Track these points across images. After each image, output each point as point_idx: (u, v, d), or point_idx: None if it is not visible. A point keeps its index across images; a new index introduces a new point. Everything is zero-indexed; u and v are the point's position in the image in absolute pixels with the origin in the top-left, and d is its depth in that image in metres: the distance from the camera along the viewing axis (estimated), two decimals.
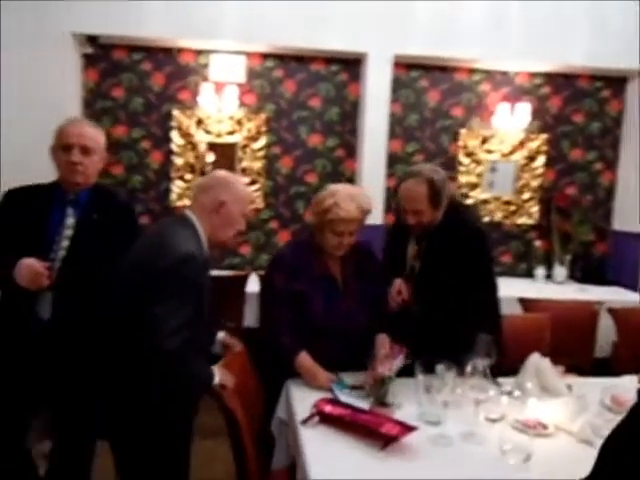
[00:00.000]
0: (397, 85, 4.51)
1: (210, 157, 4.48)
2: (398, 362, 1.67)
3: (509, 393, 1.82)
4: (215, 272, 2.24)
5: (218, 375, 1.64)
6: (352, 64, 4.52)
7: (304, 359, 1.93)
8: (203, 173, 4.39)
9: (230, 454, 1.63)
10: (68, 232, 1.92)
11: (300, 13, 4.11)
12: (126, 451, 1.72)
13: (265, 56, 4.45)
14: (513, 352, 2.13)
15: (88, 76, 4.28)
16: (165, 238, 1.64)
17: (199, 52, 4.37)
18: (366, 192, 2.16)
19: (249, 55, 4.41)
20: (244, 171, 4.53)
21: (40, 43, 3.89)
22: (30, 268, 1.78)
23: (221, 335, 1.97)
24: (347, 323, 2.04)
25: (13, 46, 3.84)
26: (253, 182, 4.55)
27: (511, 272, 4.76)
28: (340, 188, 2.09)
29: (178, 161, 4.46)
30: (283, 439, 1.85)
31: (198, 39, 4.16)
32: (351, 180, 4.58)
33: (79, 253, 1.91)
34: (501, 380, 1.93)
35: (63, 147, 1.92)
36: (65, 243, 1.91)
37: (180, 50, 4.35)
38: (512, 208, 4.77)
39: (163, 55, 4.35)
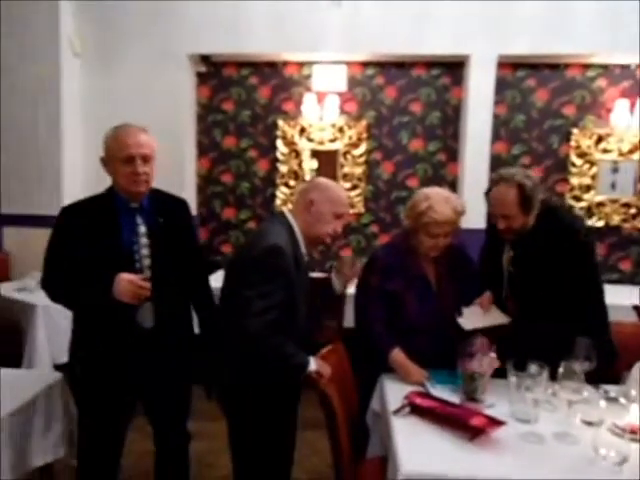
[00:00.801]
0: (501, 86, 4.45)
1: (313, 164, 4.72)
2: (488, 358, 1.72)
3: (613, 399, 1.79)
4: (319, 274, 2.44)
5: (315, 363, 1.80)
6: (454, 67, 4.54)
7: (398, 355, 2.04)
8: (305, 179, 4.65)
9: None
10: (144, 240, 1.93)
11: (400, 20, 4.22)
12: (235, 430, 1.94)
13: (366, 64, 4.62)
14: (623, 360, 2.07)
15: (201, 92, 4.73)
16: (260, 233, 1.91)
17: (302, 64, 4.64)
18: (458, 195, 2.23)
19: (350, 64, 4.60)
20: (345, 177, 4.72)
21: (160, 63, 4.38)
22: (132, 284, 1.80)
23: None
24: (440, 322, 2.12)
25: (138, 66, 4.37)
26: (354, 187, 4.73)
27: (630, 279, 4.46)
28: (433, 192, 2.19)
29: (283, 168, 4.76)
30: (377, 430, 1.97)
31: (302, 52, 4.43)
32: (453, 184, 4.59)
33: (161, 259, 1.95)
34: (608, 387, 1.90)
35: (124, 159, 1.88)
36: (145, 251, 1.93)
37: (285, 63, 4.65)
38: (632, 211, 4.47)
39: (269, 69, 4.68)
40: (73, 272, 1.86)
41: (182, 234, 2.04)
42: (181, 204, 2.14)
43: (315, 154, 4.72)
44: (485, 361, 1.70)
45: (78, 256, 1.86)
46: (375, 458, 1.91)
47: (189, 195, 4.61)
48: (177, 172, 4.47)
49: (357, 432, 2.06)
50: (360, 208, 4.75)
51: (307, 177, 4.66)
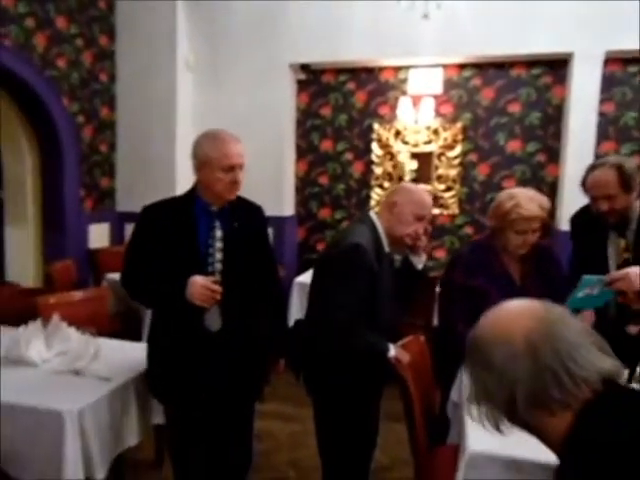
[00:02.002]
0: (609, 83, 4.27)
1: (413, 164, 4.81)
2: None
3: None
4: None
5: (394, 350, 1.94)
6: (556, 65, 4.43)
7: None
8: (401, 179, 4.77)
9: None
10: (219, 244, 1.96)
11: (498, 20, 4.21)
12: (320, 414, 2.11)
13: (462, 66, 4.64)
14: None
15: (300, 98, 5.01)
16: (344, 232, 2.07)
17: (398, 69, 4.76)
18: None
19: (446, 67, 4.65)
20: (439, 178, 4.78)
21: (264, 74, 4.71)
22: (206, 287, 1.83)
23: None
24: None
25: (244, 77, 4.75)
26: (448, 189, 4.77)
27: None
28: (517, 190, 2.25)
29: (377, 170, 4.91)
30: (456, 420, 2.06)
31: (398, 57, 4.56)
32: (553, 185, 4.49)
33: (233, 263, 1.98)
34: None
35: (226, 168, 1.91)
36: (219, 255, 1.96)
37: (381, 68, 4.80)
38: None
39: (365, 74, 4.86)
40: (150, 271, 1.91)
41: (256, 240, 2.08)
42: (257, 210, 2.16)
43: (413, 156, 4.82)
44: None
45: (156, 255, 1.91)
46: (451, 445, 2.00)
47: (288, 195, 4.93)
48: (277, 174, 4.80)
49: (436, 422, 2.16)
50: (454, 209, 4.78)
51: (406, 178, 4.78)
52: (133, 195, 4.64)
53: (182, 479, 2.10)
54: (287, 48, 4.67)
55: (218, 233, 1.96)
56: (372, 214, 2.09)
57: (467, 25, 4.28)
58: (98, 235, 4.64)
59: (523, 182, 4.56)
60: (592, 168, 2.22)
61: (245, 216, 2.06)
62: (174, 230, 1.92)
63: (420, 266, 2.15)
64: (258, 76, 4.74)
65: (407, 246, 2.10)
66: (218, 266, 1.96)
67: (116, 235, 4.82)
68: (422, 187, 2.32)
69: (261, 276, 2.07)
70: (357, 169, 4.99)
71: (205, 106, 4.86)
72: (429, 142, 4.77)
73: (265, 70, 4.72)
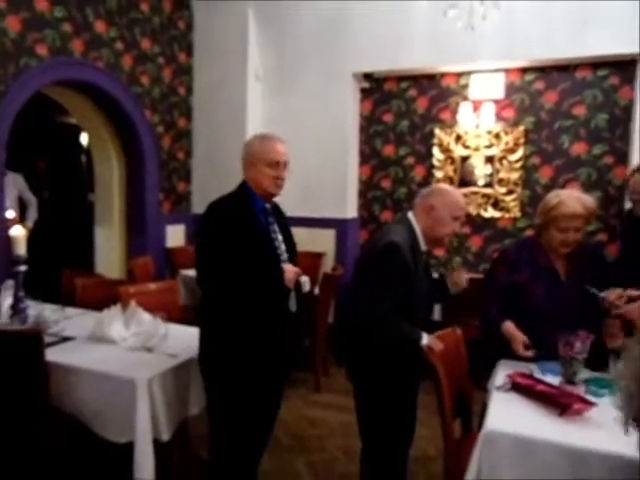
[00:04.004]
0: None
1: (487, 169, 4.84)
2: (582, 346, 1.83)
3: None
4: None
5: (427, 339, 2.08)
6: (623, 66, 4.34)
7: (508, 325, 2.23)
8: (465, 184, 4.84)
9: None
10: (280, 237, 2.19)
11: (560, 23, 4.19)
12: (361, 403, 2.28)
13: (524, 70, 4.65)
14: None
15: (364, 106, 5.21)
16: (383, 232, 2.20)
17: (460, 74, 4.84)
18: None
19: (508, 71, 4.68)
20: (501, 182, 4.80)
21: (328, 83, 4.96)
22: (297, 273, 2.10)
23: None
24: (566, 310, 2.21)
25: (309, 86, 5.02)
26: (510, 192, 4.78)
27: None
28: (565, 190, 2.35)
29: (438, 174, 5.01)
30: None
31: (459, 64, 4.65)
32: (621, 188, 4.38)
33: (291, 252, 2.23)
34: None
35: (272, 163, 2.10)
36: (283, 246, 2.19)
37: (442, 75, 4.90)
38: None
39: (427, 81, 4.97)
40: (232, 265, 2.02)
41: (291, 235, 2.31)
42: (283, 211, 2.36)
43: (467, 160, 4.88)
44: (577, 347, 1.83)
45: (233, 249, 2.02)
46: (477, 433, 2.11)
47: (351, 199, 5.14)
48: (341, 178, 5.02)
49: (469, 412, 2.28)
50: (516, 212, 4.78)
51: (480, 182, 4.84)
52: (207, 198, 4.95)
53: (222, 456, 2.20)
54: (350, 58, 4.89)
55: (275, 227, 2.19)
56: (409, 214, 2.25)
57: (528, 29, 4.30)
58: (174, 235, 5.07)
59: (588, 185, 4.49)
60: (636, 171, 2.26)
61: (282, 214, 2.31)
62: (245, 224, 2.07)
63: (453, 292, 2.30)
64: (323, 85, 5.00)
65: (444, 243, 2.27)
66: (285, 255, 2.18)
67: (190, 235, 5.24)
68: (452, 187, 2.43)
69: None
70: (418, 173, 5.11)
71: (274, 114, 5.18)
72: (490, 146, 4.81)
73: (330, 79, 4.97)
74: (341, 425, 3.23)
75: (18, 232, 2.70)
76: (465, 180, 4.92)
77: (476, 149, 4.85)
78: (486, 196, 4.87)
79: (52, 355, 2.24)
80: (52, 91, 4.18)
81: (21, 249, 2.68)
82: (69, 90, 4.24)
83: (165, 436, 2.12)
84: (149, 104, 4.73)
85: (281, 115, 5.13)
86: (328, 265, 4.84)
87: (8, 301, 2.73)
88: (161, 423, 2.10)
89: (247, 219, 2.10)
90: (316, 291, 3.80)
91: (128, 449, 2.06)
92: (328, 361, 3.96)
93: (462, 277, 2.28)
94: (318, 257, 4.80)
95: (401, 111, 5.11)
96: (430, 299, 2.36)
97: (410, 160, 5.13)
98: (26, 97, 3.63)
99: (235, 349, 2.09)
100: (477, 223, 4.93)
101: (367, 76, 5.07)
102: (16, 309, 2.62)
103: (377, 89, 5.16)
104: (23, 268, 2.66)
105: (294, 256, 2.27)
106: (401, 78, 5.05)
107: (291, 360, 2.33)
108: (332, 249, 5.03)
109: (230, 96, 5.08)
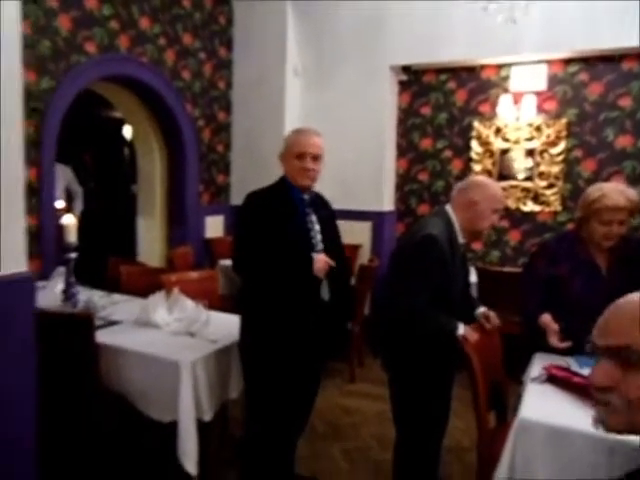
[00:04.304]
0: None
1: (528, 162, 4.78)
2: None
3: None
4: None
5: (463, 329, 2.11)
6: None
7: (545, 317, 2.23)
8: (504, 177, 4.80)
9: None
10: (317, 227, 2.26)
11: (605, 13, 4.10)
12: (396, 394, 2.32)
13: (568, 61, 4.56)
14: None
15: (402, 98, 5.22)
16: (421, 225, 2.22)
17: (500, 66, 4.79)
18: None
19: (550, 63, 4.60)
20: (541, 175, 4.73)
21: (367, 76, 4.99)
22: (327, 263, 2.15)
23: (482, 309, 2.39)
24: (607, 303, 2.20)
25: (347, 80, 5.05)
26: (550, 186, 4.71)
27: None
28: (607, 183, 2.33)
29: (476, 167, 4.98)
30: None
31: (500, 56, 4.60)
32: None
33: (329, 243, 2.28)
34: None
35: (297, 155, 2.19)
36: (319, 237, 2.25)
37: (482, 67, 4.86)
38: None
39: (466, 73, 4.94)
40: (265, 251, 2.12)
41: (334, 226, 2.40)
42: (329, 203, 2.44)
43: (530, 152, 4.80)
44: None
45: (268, 237, 2.12)
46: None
47: (388, 192, 5.16)
48: (378, 171, 5.05)
49: (504, 404, 2.30)
50: (556, 206, 4.72)
51: (520, 176, 4.80)
52: (245, 190, 5.04)
53: (256, 442, 2.29)
54: (389, 51, 4.90)
55: (313, 217, 2.25)
56: (447, 208, 2.25)
57: (572, 19, 4.21)
58: (213, 226, 5.20)
59: (633, 178, 4.39)
60: None
61: (324, 206, 2.36)
62: (281, 214, 2.17)
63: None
64: (361, 78, 5.02)
65: (483, 236, 2.29)
66: (321, 245, 2.24)
67: (229, 226, 5.37)
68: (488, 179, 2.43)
69: (338, 255, 2.33)
70: (456, 166, 5.09)
71: (311, 108, 5.24)
72: (531, 139, 4.75)
73: (368, 73, 4.99)
74: (375, 414, 3.29)
75: (69, 221, 2.85)
76: (504, 173, 4.88)
77: (516, 142, 4.80)
78: (526, 190, 4.82)
79: (101, 337, 2.38)
80: (98, 86, 4.34)
81: (72, 237, 2.83)
82: (115, 85, 4.40)
83: (207, 416, 2.23)
84: (190, 98, 4.86)
85: (319, 109, 5.18)
86: (364, 257, 4.88)
87: (60, 286, 2.89)
88: (203, 404, 2.21)
89: (280, 209, 2.18)
90: (352, 282, 3.85)
91: (172, 428, 2.17)
92: (363, 352, 4.01)
93: (495, 321, 2.29)
94: (355, 249, 4.85)
95: (439, 104, 5.09)
96: (467, 291, 2.38)
97: (448, 153, 5.11)
98: (75, 92, 3.79)
99: (269, 337, 2.18)
100: (516, 217, 4.88)
101: (405, 69, 5.07)
102: (68, 294, 2.78)
103: (415, 82, 5.16)
104: (74, 255, 2.81)
105: (336, 247, 2.32)
106: (440, 70, 5.03)
107: (328, 348, 2.39)
108: (368, 241, 5.07)
109: (269, 91, 5.16)
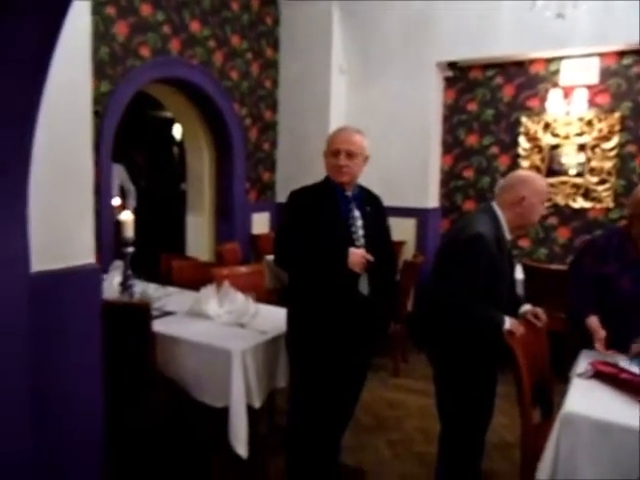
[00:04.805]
0: None
1: (580, 157, 4.71)
2: None
3: None
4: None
5: (509, 323, 2.14)
6: None
7: (592, 320, 2.25)
8: (553, 173, 4.74)
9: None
10: (359, 222, 2.29)
11: None
12: (442, 381, 2.37)
13: (622, 54, 4.47)
14: None
15: (447, 95, 5.23)
16: (467, 222, 2.24)
17: (549, 60, 4.73)
18: None
19: (603, 55, 4.51)
20: (592, 171, 4.65)
21: (412, 73, 5.03)
22: (363, 257, 2.18)
23: (528, 307, 2.41)
24: None
25: (393, 77, 5.11)
26: (602, 182, 4.63)
27: None
28: None
29: (524, 163, 4.93)
30: None
31: (549, 49, 4.55)
32: None
33: (372, 239, 2.31)
34: None
35: (332, 152, 2.26)
36: (361, 232, 2.29)
37: (531, 61, 4.81)
38: None
39: (514, 68, 4.90)
40: (304, 245, 2.20)
41: (380, 223, 2.42)
42: (378, 200, 2.46)
43: (582, 147, 4.73)
44: None
45: (308, 232, 2.20)
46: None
47: (433, 188, 5.19)
48: (423, 167, 5.09)
49: (550, 402, 2.32)
50: (609, 203, 4.63)
51: (572, 171, 4.73)
52: (290, 188, 5.18)
53: (299, 433, 2.38)
54: (434, 48, 4.92)
55: (356, 213, 2.30)
56: (494, 204, 2.27)
57: (625, 10, 4.13)
58: (260, 222, 5.37)
59: None
60: None
61: (371, 203, 2.39)
62: (322, 210, 2.24)
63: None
64: (406, 75, 5.07)
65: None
66: (362, 241, 2.28)
67: (274, 223, 5.51)
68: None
69: (384, 253, 2.38)
70: (503, 162, 5.06)
71: (356, 105, 5.32)
72: (581, 134, 4.67)
73: (413, 69, 5.03)
74: (419, 408, 3.35)
75: (127, 217, 3.03)
76: (553, 169, 4.82)
77: (566, 137, 4.73)
78: (575, 186, 4.75)
79: (156, 327, 2.53)
80: (151, 88, 4.56)
81: (129, 232, 3.01)
82: (166, 86, 4.61)
83: (257, 403, 2.35)
84: (238, 98, 5.02)
85: (364, 107, 5.26)
86: (409, 254, 4.92)
87: (117, 279, 3.08)
88: (253, 391, 2.33)
89: (321, 206, 2.24)
90: (396, 278, 3.92)
91: (224, 414, 2.30)
92: (407, 347, 4.07)
93: (543, 318, 2.30)
94: (399, 246, 4.90)
95: (486, 99, 5.07)
96: (512, 288, 2.40)
97: (494, 149, 5.09)
98: (131, 95, 4.01)
99: (311, 330, 2.26)
100: (565, 214, 4.82)
101: (451, 65, 5.07)
102: (125, 286, 2.96)
103: (461, 78, 5.16)
104: (131, 249, 2.99)
105: (381, 243, 2.36)
106: (487, 66, 5.01)
107: (371, 343, 2.43)
108: (413, 238, 5.12)
109: (314, 89, 5.27)
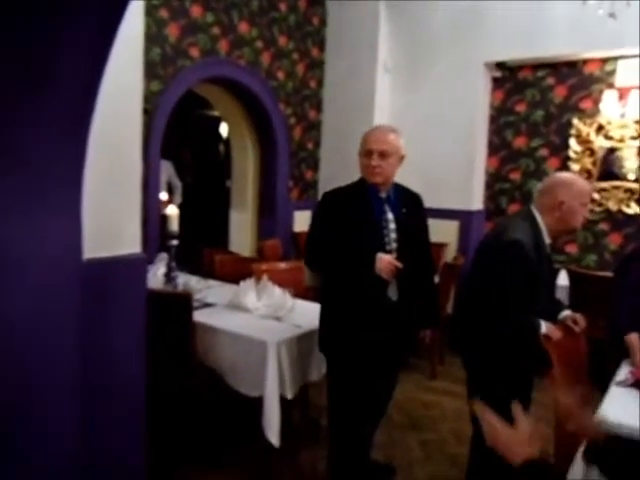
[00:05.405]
0: None
1: (636, 162, 4.59)
2: None
3: None
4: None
5: (545, 327, 2.14)
6: None
7: (633, 338, 2.21)
8: (606, 177, 4.65)
9: None
10: (392, 226, 2.27)
11: None
12: (475, 384, 2.40)
13: None
14: None
15: (495, 96, 5.19)
16: (505, 227, 2.22)
17: (605, 60, 4.63)
18: None
19: None
20: None
21: (459, 73, 5.03)
22: (391, 264, 2.16)
23: (567, 312, 2.40)
24: None
25: (439, 77, 5.13)
26: None
27: None
28: None
29: (574, 166, 4.84)
30: None
31: (605, 49, 4.45)
32: None
33: (405, 243, 2.28)
34: None
35: (365, 153, 2.25)
36: (393, 236, 2.27)
37: (585, 61, 4.72)
38: None
39: (567, 68, 4.82)
40: (334, 247, 2.21)
41: (417, 224, 2.39)
42: (417, 198, 2.44)
43: (613, 152, 4.66)
44: None
45: (338, 234, 2.20)
46: None
47: (477, 190, 5.17)
48: (467, 169, 5.08)
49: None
50: None
51: (631, 176, 4.62)
52: (332, 187, 5.34)
53: (338, 424, 2.43)
54: (483, 47, 4.90)
55: (389, 216, 2.28)
56: (533, 208, 2.25)
57: None
58: (301, 220, 5.47)
59: None
60: None
61: (408, 202, 2.37)
62: (353, 212, 2.24)
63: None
64: (453, 75, 5.07)
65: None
66: (394, 245, 2.27)
67: None
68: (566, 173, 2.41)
69: (419, 255, 2.39)
70: (552, 165, 4.99)
71: (401, 105, 5.36)
72: (637, 137, 4.56)
73: (460, 69, 5.03)
74: (454, 410, 3.38)
75: (172, 211, 3.20)
76: (606, 173, 4.72)
77: (620, 140, 4.62)
78: (629, 191, 4.63)
79: (197, 317, 2.68)
80: (199, 87, 4.74)
81: (174, 226, 3.18)
82: (214, 86, 4.79)
83: (289, 394, 2.46)
84: (283, 97, 5.16)
85: (408, 106, 5.30)
86: (450, 256, 4.93)
87: (161, 270, 3.26)
88: (286, 382, 2.44)
89: (352, 208, 2.24)
90: (436, 280, 3.94)
91: (258, 404, 2.42)
92: (444, 350, 4.09)
93: (582, 323, 2.28)
94: (440, 248, 4.91)
95: (535, 100, 5.01)
96: (551, 293, 2.39)
97: (543, 152, 5.02)
98: (180, 94, 4.20)
99: (339, 331, 2.30)
100: (617, 219, 4.71)
101: (499, 65, 5.04)
102: (169, 277, 3.14)
103: (510, 78, 5.12)
104: (175, 242, 3.16)
105: (416, 246, 2.35)
106: (537, 66, 4.95)
107: (403, 346, 2.42)
108: (455, 240, 5.12)
109: (359, 88, 5.35)
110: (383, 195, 2.30)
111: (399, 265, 2.18)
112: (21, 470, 1.59)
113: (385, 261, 2.16)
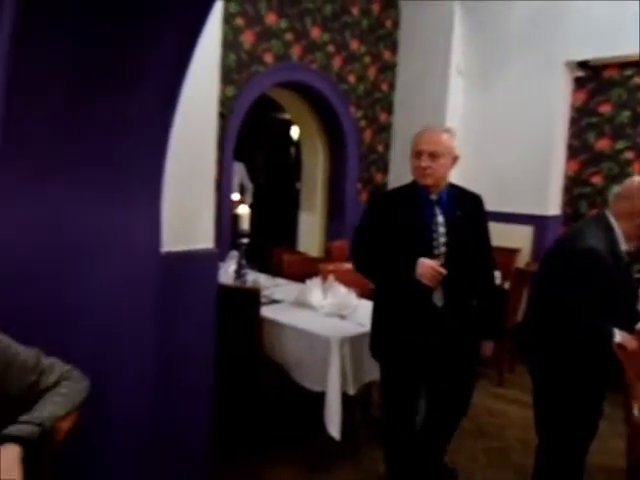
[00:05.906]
0: None
1: None
2: None
3: None
4: None
5: (619, 335, 2.07)
6: None
7: None
8: None
9: None
10: (442, 229, 2.21)
11: None
12: (541, 394, 2.37)
13: None
14: None
15: (576, 96, 5.03)
16: (580, 232, 2.17)
17: None
18: None
19: None
20: None
21: (536, 74, 4.92)
22: (434, 270, 2.10)
23: None
24: None
25: (514, 78, 5.04)
26: None
27: None
28: None
29: None
30: None
31: None
32: None
33: (456, 248, 2.21)
34: None
35: (415, 154, 2.21)
36: (443, 240, 2.20)
37: None
38: None
39: None
40: (378, 250, 2.20)
41: (476, 227, 2.32)
42: (477, 199, 2.36)
43: None
44: None
45: (384, 236, 2.20)
46: None
47: (554, 195, 5.04)
48: (544, 172, 4.96)
49: None
50: None
51: None
52: None
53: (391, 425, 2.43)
54: (563, 46, 4.78)
55: (440, 219, 2.22)
56: (608, 213, 2.18)
57: None
58: None
59: None
60: None
61: (466, 205, 2.30)
62: (401, 215, 2.21)
63: None
64: (530, 76, 4.97)
65: None
66: (443, 249, 2.20)
67: None
68: None
69: (479, 261, 2.32)
70: (638, 169, 4.77)
71: (473, 108, 5.32)
72: None
73: (538, 70, 4.93)
74: (521, 418, 3.32)
75: (244, 211, 3.38)
76: None
77: None
78: None
79: (264, 312, 2.82)
80: (272, 91, 4.94)
81: (245, 225, 3.36)
82: (286, 90, 4.97)
83: (351, 390, 2.55)
84: (354, 100, 5.25)
85: (481, 108, 5.24)
86: (522, 262, 4.83)
87: (232, 267, 3.44)
88: (348, 378, 2.53)
89: (401, 211, 2.22)
90: (506, 286, 3.89)
91: (320, 399, 2.52)
92: (515, 357, 4.02)
93: None
94: (512, 253, 4.83)
95: (622, 101, 4.81)
96: (633, 301, 2.31)
97: (629, 155, 4.81)
98: (253, 98, 4.40)
99: (385, 334, 2.30)
100: None
101: (581, 64, 4.89)
102: (239, 274, 3.31)
103: (593, 78, 4.94)
104: (246, 241, 3.33)
105: (478, 247, 2.31)
106: (624, 65, 4.76)
107: (454, 355, 2.32)
108: (528, 246, 5.00)
109: (431, 90, 5.36)
110: (434, 197, 2.25)
111: (442, 271, 2.12)
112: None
113: (427, 266, 2.11)
